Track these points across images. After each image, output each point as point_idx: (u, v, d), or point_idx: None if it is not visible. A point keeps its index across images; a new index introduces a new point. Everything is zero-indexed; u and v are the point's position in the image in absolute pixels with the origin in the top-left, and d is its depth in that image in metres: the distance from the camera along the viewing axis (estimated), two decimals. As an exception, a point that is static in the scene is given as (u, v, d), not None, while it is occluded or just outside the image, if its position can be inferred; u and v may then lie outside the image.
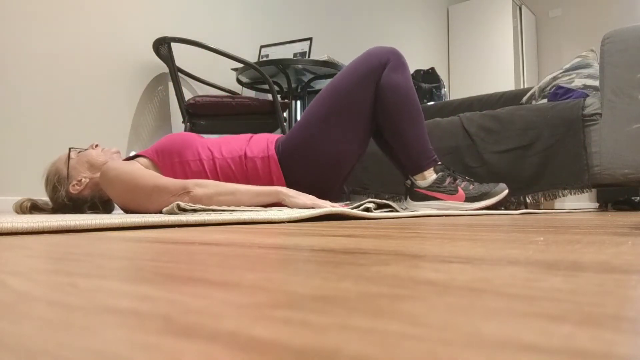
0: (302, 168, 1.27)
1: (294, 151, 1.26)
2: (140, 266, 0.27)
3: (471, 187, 1.36)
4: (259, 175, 1.25)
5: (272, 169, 1.25)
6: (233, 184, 1.17)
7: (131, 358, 0.11)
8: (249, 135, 1.35)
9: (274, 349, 0.11)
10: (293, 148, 1.27)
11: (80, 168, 1.27)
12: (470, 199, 1.35)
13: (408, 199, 1.42)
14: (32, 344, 0.12)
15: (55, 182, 1.27)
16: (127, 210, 1.19)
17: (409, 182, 1.41)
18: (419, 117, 1.33)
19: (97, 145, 1.35)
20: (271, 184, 1.26)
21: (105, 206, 1.31)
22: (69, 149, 1.32)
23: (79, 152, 1.32)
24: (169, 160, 1.25)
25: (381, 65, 1.30)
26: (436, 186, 1.36)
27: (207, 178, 1.23)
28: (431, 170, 1.36)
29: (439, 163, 1.39)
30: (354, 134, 1.30)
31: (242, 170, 1.25)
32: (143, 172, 1.16)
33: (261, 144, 1.29)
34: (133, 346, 0.12)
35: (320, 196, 1.32)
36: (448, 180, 1.36)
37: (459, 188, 1.35)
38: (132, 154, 1.33)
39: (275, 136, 1.34)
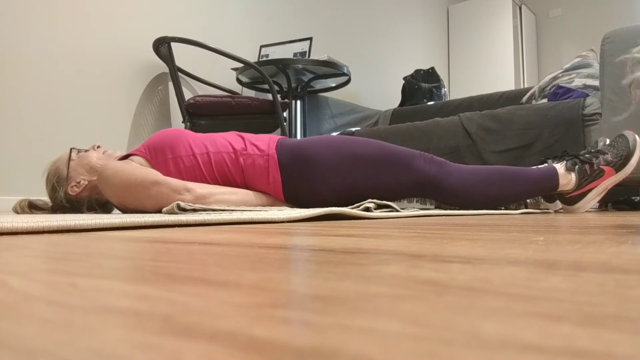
0: (301, 180, 1.23)
1: (300, 162, 1.23)
2: (140, 266, 0.27)
3: (608, 157, 1.28)
4: (255, 172, 1.23)
5: (271, 169, 1.23)
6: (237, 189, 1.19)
7: (131, 358, 0.11)
8: (237, 132, 1.32)
9: (274, 349, 0.11)
10: (301, 160, 1.24)
11: (80, 170, 1.27)
12: (618, 167, 1.27)
13: (564, 205, 1.34)
14: (32, 344, 0.12)
15: (55, 182, 1.27)
16: (124, 210, 1.18)
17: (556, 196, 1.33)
18: (504, 179, 1.25)
19: (99, 147, 1.34)
20: (267, 183, 1.24)
21: (103, 208, 1.31)
22: (70, 149, 1.31)
23: (80, 152, 1.32)
24: (161, 157, 1.22)
25: (427, 179, 1.25)
26: (583, 179, 1.28)
27: (202, 173, 1.22)
28: (563, 173, 1.27)
29: (556, 162, 1.29)
30: (375, 186, 1.27)
31: (237, 166, 1.23)
32: (141, 168, 1.15)
33: (263, 141, 1.27)
34: (133, 346, 0.12)
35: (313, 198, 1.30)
36: (586, 166, 1.27)
37: (601, 167, 1.27)
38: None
39: (277, 137, 1.32)
